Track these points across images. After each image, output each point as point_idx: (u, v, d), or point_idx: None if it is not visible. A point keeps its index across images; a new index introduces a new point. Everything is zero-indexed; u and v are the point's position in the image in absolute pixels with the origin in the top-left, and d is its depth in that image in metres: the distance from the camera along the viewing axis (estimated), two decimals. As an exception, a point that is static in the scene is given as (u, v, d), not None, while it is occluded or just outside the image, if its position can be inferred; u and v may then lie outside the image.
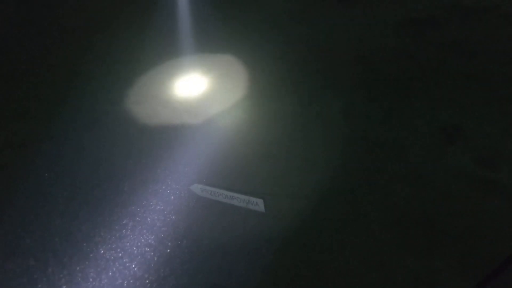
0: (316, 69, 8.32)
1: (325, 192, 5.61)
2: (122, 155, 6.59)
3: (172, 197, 5.84)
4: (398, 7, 10.19)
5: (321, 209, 5.40)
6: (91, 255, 5.11)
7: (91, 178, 6.19)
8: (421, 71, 7.92)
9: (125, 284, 4.77)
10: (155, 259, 5.06)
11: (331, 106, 7.21)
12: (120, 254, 5.10)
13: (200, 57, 9.12)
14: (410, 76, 7.81)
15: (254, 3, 11.14)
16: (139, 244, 5.24)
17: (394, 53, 8.56)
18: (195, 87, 8.14)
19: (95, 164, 6.45)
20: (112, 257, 5.07)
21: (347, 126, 6.75)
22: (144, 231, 5.40)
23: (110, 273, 4.90)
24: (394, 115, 6.83)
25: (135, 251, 5.13)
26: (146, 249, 5.17)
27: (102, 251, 5.14)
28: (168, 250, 5.14)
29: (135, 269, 4.94)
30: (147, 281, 4.80)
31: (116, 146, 6.77)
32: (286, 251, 4.96)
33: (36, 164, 6.50)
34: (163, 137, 6.90)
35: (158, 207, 5.71)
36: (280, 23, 10.15)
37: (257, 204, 5.31)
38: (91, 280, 4.83)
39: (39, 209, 5.74)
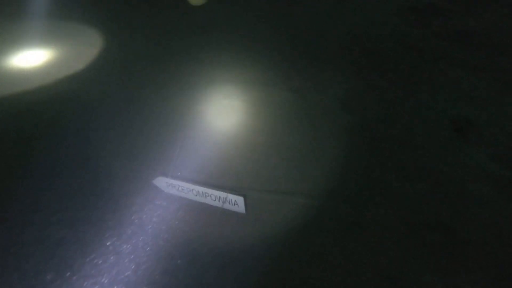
0: (310, 54, 7.37)
1: (320, 191, 4.59)
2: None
3: (130, 192, 4.67)
4: (396, -4, 9.43)
5: (316, 210, 4.37)
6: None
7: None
8: (424, 61, 7.11)
9: None
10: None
11: (327, 94, 6.24)
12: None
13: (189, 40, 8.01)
14: (412, 66, 6.97)
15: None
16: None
17: (394, 41, 7.73)
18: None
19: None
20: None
21: (346, 116, 5.78)
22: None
23: None
24: (398, 106, 5.93)
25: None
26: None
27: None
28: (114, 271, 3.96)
29: None
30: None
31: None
32: (270, 265, 3.89)
33: None
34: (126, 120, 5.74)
35: (110, 203, 4.53)
36: (273, 2, 9.20)
37: (236, 204, 4.22)
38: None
39: None
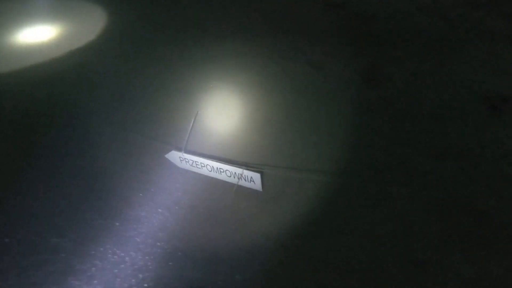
0: (329, 26, 6.92)
1: (341, 168, 4.33)
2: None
3: (144, 166, 4.52)
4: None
5: (336, 189, 4.13)
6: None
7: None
8: (454, 31, 6.56)
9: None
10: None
11: (349, 68, 5.85)
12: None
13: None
14: (441, 36, 6.45)
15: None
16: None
17: (419, 10, 7.17)
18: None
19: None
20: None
21: (369, 90, 5.41)
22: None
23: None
24: (426, 79, 5.51)
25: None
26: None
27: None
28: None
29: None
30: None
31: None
32: (289, 245, 3.71)
33: None
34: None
35: (126, 175, 4.40)
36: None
37: (253, 180, 4.02)
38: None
39: None
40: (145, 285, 3.55)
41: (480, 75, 5.54)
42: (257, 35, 6.80)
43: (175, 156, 4.37)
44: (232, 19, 7.32)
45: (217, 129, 4.80)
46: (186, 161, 4.33)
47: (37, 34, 7.38)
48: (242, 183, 4.05)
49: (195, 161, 4.26)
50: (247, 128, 4.86)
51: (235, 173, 4.07)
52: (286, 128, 4.88)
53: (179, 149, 4.41)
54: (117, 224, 4.01)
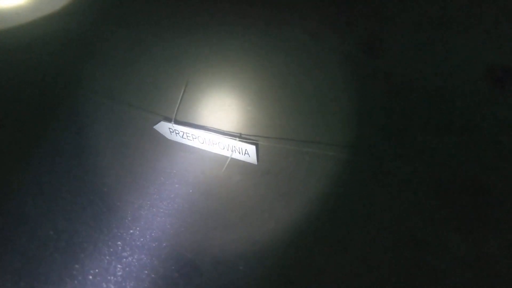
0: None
1: (338, 142, 4.15)
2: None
3: (131, 137, 4.26)
4: None
5: (332, 162, 3.97)
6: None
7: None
8: (455, 2, 6.27)
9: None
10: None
11: (346, 36, 5.55)
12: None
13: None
14: (443, 6, 6.15)
15: None
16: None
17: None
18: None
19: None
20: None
21: (368, 62, 5.15)
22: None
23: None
24: (427, 50, 5.26)
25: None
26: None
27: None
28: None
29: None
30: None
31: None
32: (285, 221, 3.57)
33: None
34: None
35: (111, 148, 4.15)
36: None
37: (247, 153, 3.81)
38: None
39: None
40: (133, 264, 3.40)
41: (483, 46, 5.32)
42: (250, 2, 6.40)
43: (165, 127, 4.12)
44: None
45: (208, 99, 4.52)
46: (176, 133, 4.08)
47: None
48: (236, 155, 3.85)
49: (186, 133, 4.02)
50: (241, 98, 4.60)
51: (228, 145, 3.85)
52: (281, 98, 4.64)
53: (168, 120, 4.15)
54: (100, 204, 3.80)
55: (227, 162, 3.82)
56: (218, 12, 6.11)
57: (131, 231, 3.68)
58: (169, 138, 4.20)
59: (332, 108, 4.46)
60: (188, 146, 4.12)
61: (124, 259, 3.56)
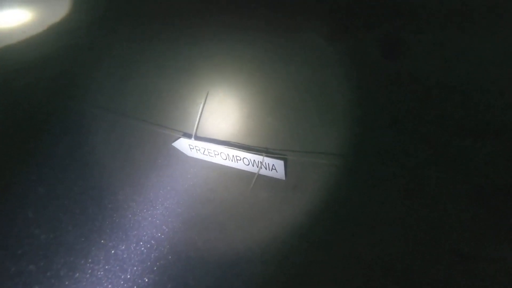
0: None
1: (365, 151, 3.93)
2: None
3: (149, 156, 4.08)
4: None
5: (363, 175, 3.74)
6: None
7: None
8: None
9: None
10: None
11: (364, 38, 5.35)
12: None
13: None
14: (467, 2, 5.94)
15: None
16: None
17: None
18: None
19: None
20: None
21: (388, 63, 4.94)
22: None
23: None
24: (454, 48, 5.04)
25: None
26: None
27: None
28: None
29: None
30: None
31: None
32: (312, 244, 3.35)
33: None
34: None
35: (128, 168, 3.97)
36: None
37: (274, 168, 3.60)
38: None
39: None
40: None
41: None
42: (261, 7, 6.22)
43: (184, 144, 3.93)
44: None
45: (228, 112, 4.33)
46: (197, 149, 3.89)
47: (21, 15, 6.69)
48: (262, 171, 3.64)
49: (208, 149, 3.83)
50: (261, 109, 4.40)
51: (253, 160, 3.64)
52: (303, 108, 4.43)
53: (188, 136, 3.96)
54: (116, 220, 3.61)
55: (255, 178, 3.61)
56: (229, 21, 5.94)
57: (156, 254, 3.49)
58: (189, 155, 4.01)
59: (359, 116, 4.25)
60: (210, 162, 3.93)
61: None
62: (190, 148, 3.92)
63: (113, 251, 3.49)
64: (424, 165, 3.78)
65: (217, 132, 4.06)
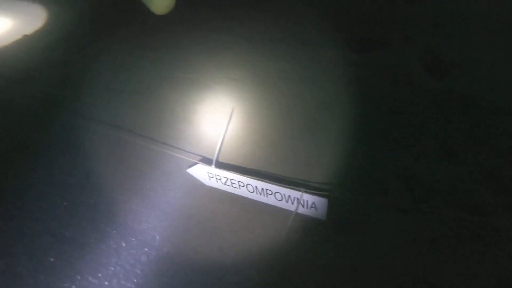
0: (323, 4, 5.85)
1: (410, 186, 3.26)
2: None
3: (160, 183, 3.39)
4: None
5: (428, 222, 3.07)
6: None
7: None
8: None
9: None
10: None
11: (404, 54, 4.78)
12: None
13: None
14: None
15: None
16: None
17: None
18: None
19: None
20: None
21: (435, 82, 4.35)
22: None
23: None
24: (501, 67, 4.46)
25: None
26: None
27: None
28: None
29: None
30: None
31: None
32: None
33: None
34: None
35: (134, 199, 3.28)
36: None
37: (314, 206, 2.92)
38: None
39: None
40: None
41: None
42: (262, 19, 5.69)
43: (202, 172, 3.26)
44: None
45: (253, 136, 3.67)
46: (217, 178, 3.22)
47: (11, 30, 6.14)
48: (301, 209, 2.96)
49: (231, 179, 3.15)
50: (291, 134, 3.76)
51: (288, 196, 2.97)
52: (339, 132, 3.80)
53: (207, 162, 3.30)
54: (124, 258, 2.90)
55: (292, 217, 2.92)
56: (221, 37, 5.39)
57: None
58: (207, 184, 3.34)
59: (410, 145, 3.60)
60: (232, 194, 3.25)
61: None
62: (210, 177, 3.26)
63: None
64: (495, 209, 3.12)
65: (242, 159, 3.39)
